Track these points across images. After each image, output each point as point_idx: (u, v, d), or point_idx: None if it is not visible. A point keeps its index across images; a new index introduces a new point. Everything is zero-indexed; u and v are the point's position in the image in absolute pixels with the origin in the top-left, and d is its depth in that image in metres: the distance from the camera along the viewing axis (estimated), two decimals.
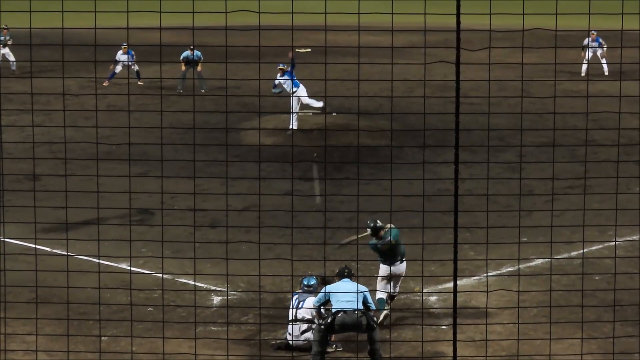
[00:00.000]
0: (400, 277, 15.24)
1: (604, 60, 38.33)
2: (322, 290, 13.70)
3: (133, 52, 36.26)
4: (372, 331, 13.32)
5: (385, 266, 15.07)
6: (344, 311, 13.28)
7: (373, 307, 13.64)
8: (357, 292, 13.27)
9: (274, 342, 14.04)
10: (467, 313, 14.94)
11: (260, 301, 14.45)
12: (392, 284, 15.18)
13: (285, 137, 27.33)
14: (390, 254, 14.98)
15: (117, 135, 22.74)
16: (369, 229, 14.99)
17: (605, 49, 38.30)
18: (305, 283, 14.34)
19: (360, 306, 13.35)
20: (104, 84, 35.29)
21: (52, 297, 14.94)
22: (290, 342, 13.96)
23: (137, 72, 36.55)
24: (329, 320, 13.31)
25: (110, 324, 14.16)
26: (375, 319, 13.64)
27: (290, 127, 27.88)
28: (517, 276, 15.86)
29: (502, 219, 17.28)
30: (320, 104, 28.00)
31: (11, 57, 38.56)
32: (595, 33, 37.82)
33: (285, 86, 28.14)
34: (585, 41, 38.12)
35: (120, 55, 36.02)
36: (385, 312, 14.84)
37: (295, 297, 14.21)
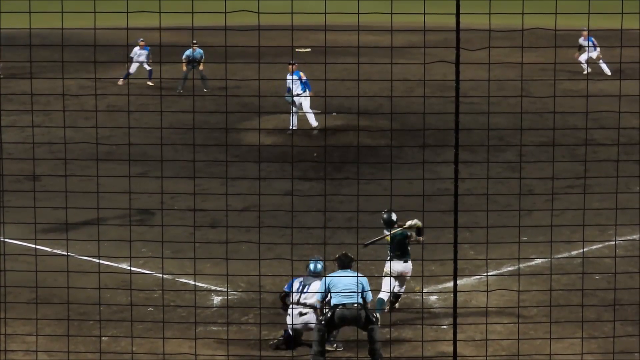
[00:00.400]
0: (406, 278, 15.24)
1: (602, 62, 38.20)
2: (322, 281, 13.66)
3: (149, 48, 36.17)
4: (371, 325, 13.31)
5: (391, 263, 15.10)
6: (344, 305, 13.29)
7: (369, 297, 13.57)
8: (358, 286, 13.28)
9: (272, 342, 14.02)
10: (467, 312, 14.94)
11: (261, 301, 14.44)
12: (398, 283, 15.20)
13: (285, 137, 27.33)
14: (398, 250, 15.03)
15: (117, 135, 22.74)
16: (382, 220, 15.10)
17: (598, 49, 38.13)
18: (312, 269, 14.28)
19: (360, 299, 13.35)
20: (118, 83, 35.27)
21: (52, 297, 14.93)
22: (290, 325, 13.92)
23: (150, 71, 36.43)
24: (328, 315, 13.32)
25: (111, 324, 14.16)
26: (374, 314, 13.64)
27: (290, 127, 27.87)
28: (517, 276, 15.86)
29: (502, 219, 17.24)
30: (314, 124, 27.94)
31: None
32: (586, 31, 37.59)
33: (294, 81, 28.05)
34: (580, 41, 38.03)
35: (138, 51, 35.91)
36: (377, 315, 14.82)
37: (298, 280, 14.16)
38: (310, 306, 13.93)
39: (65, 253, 15.91)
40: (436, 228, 15.35)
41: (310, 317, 13.89)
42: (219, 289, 16.04)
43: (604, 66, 38.06)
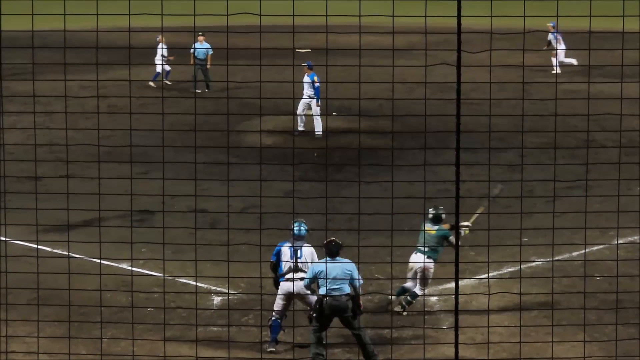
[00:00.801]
0: (428, 280, 15.23)
1: (565, 58, 38.04)
2: (311, 270, 13.59)
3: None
4: (357, 320, 13.33)
5: (415, 255, 15.20)
6: (332, 296, 13.26)
7: (359, 282, 13.49)
8: (357, 278, 13.28)
9: (267, 350, 13.95)
10: (467, 313, 14.92)
11: (262, 302, 14.40)
12: (419, 283, 15.25)
13: (286, 138, 27.31)
14: (429, 245, 15.05)
15: (117, 135, 22.70)
16: (431, 215, 15.23)
17: (563, 44, 37.96)
18: (296, 233, 14.19)
19: (348, 288, 13.30)
20: (167, 83, 34.99)
21: (52, 297, 14.90)
22: (292, 292, 13.87)
23: (158, 74, 36.27)
24: (317, 307, 13.31)
25: (111, 325, 14.15)
26: (360, 302, 13.58)
27: (299, 128, 27.83)
28: (519, 278, 15.84)
29: (503, 220, 17.24)
30: (319, 131, 27.90)
31: None
32: (552, 26, 37.45)
33: (305, 85, 27.95)
34: (550, 37, 37.98)
35: (162, 48, 35.75)
36: (398, 307, 14.95)
37: (286, 246, 14.06)
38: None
39: (66, 253, 15.91)
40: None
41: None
42: (219, 289, 16.02)
43: (566, 60, 37.98)
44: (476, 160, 19.86)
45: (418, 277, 15.27)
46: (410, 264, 15.26)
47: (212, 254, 15.30)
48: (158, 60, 36.18)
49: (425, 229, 15.30)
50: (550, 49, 38.11)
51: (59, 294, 14.66)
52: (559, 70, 37.53)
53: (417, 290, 15.33)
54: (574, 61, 37.91)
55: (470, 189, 20.28)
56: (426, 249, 15.19)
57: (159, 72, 35.66)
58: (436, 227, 15.21)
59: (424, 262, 15.17)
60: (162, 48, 35.65)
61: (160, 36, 36.05)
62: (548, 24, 37.52)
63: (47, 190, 17.51)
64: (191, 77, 34.06)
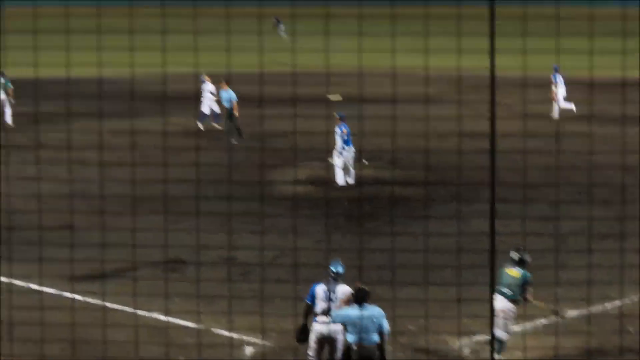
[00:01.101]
0: (507, 323, 15.12)
1: (564, 103, 38.03)
2: (341, 313, 13.40)
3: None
4: None
5: (497, 298, 15.12)
6: (361, 345, 13.14)
7: (386, 330, 13.31)
8: (380, 324, 13.20)
9: None
10: None
11: (295, 353, 14.35)
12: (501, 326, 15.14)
13: (316, 186, 27.29)
14: (511, 289, 15.06)
15: (150, 183, 22.80)
16: (518, 257, 15.22)
17: (562, 86, 37.91)
18: (333, 270, 13.92)
19: (377, 337, 13.18)
20: (213, 125, 35.54)
21: (85, 346, 14.90)
22: (326, 333, 13.66)
23: (216, 114, 36.56)
24: (345, 355, 13.21)
25: None
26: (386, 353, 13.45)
27: (340, 182, 27.63)
28: (555, 331, 15.73)
29: (536, 271, 17.16)
30: (352, 182, 27.85)
31: (7, 108, 36.47)
32: (555, 68, 37.30)
33: (337, 134, 27.75)
34: (554, 78, 37.90)
35: (209, 86, 36.01)
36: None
37: (321, 288, 13.93)
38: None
39: (100, 303, 15.92)
40: (467, 284, 15.26)
41: (338, 327, 13.60)
42: (252, 340, 15.96)
43: (558, 105, 38.04)
44: (508, 210, 19.83)
45: (500, 320, 15.13)
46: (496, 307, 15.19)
47: (243, 303, 15.30)
48: (206, 100, 36.35)
49: (508, 271, 15.19)
50: (552, 95, 38.11)
51: (92, 342, 14.68)
52: (573, 108, 37.45)
53: (502, 334, 15.18)
54: (556, 107, 37.91)
55: (504, 240, 20.25)
56: (509, 292, 15.10)
57: (217, 113, 35.90)
58: (520, 270, 15.14)
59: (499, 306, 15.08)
60: (206, 88, 36.00)
61: (205, 75, 36.24)
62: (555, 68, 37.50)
63: (80, 239, 17.58)
64: (227, 130, 34.04)
